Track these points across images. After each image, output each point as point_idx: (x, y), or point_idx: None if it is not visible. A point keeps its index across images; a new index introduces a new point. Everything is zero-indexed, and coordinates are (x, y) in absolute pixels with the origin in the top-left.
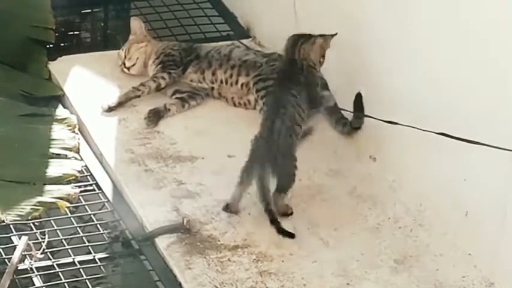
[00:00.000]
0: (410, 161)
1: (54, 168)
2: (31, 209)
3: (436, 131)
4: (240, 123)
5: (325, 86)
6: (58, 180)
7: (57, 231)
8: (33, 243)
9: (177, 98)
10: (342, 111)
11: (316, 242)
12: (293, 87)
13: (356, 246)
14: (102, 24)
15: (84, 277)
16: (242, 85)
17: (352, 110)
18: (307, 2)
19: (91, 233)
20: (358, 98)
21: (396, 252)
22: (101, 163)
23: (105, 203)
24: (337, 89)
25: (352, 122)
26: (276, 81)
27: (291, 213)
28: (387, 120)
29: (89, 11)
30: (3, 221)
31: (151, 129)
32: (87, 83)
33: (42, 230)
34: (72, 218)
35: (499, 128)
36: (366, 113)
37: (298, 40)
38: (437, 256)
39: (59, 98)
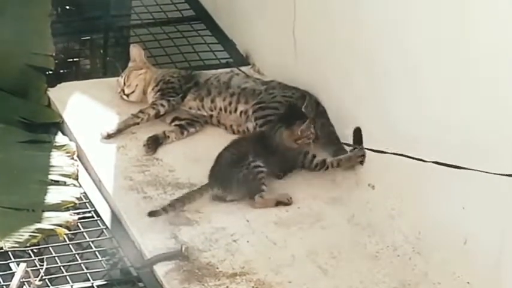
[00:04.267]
0: (409, 189)
1: (53, 195)
2: (30, 235)
3: (430, 160)
4: None
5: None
6: (57, 207)
7: (56, 258)
8: (31, 270)
9: (176, 125)
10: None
11: (315, 270)
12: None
13: (355, 274)
14: (102, 51)
15: None
16: (241, 113)
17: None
18: (307, 29)
19: (89, 260)
20: (358, 132)
21: (395, 281)
22: (100, 190)
23: (104, 230)
24: (336, 121)
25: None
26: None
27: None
28: (385, 151)
29: (89, 37)
30: (2, 248)
31: (150, 156)
32: (86, 110)
33: (41, 257)
34: (70, 245)
35: (495, 155)
36: (366, 145)
37: (276, 125)
38: (436, 284)
39: (58, 125)
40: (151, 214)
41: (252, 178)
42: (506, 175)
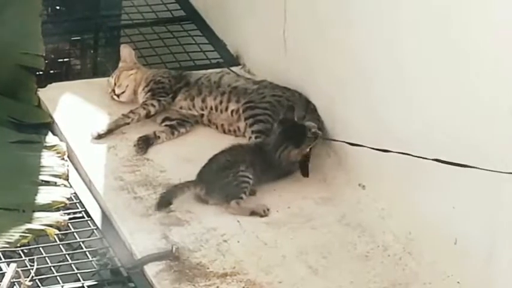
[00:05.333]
0: (399, 189)
1: (43, 196)
2: (20, 236)
3: (428, 158)
4: None
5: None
6: (47, 208)
7: (46, 258)
8: (22, 270)
9: (166, 125)
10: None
11: (306, 270)
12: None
13: (345, 274)
14: (92, 51)
15: None
16: (232, 112)
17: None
18: (297, 30)
19: (80, 261)
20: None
21: (385, 281)
22: (90, 190)
23: (94, 231)
24: (326, 119)
25: None
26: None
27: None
28: (378, 148)
29: (79, 38)
30: None
31: (140, 156)
32: (76, 110)
33: (31, 257)
34: (61, 245)
35: (487, 152)
36: (358, 142)
37: (282, 144)
38: (427, 284)
39: (49, 125)
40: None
41: (235, 184)
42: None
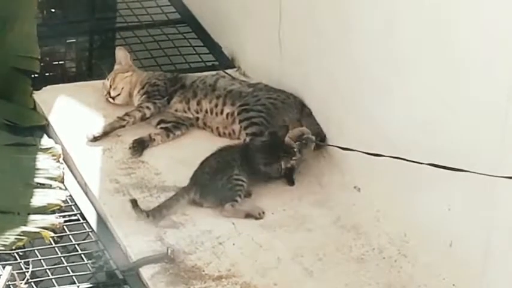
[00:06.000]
0: (394, 192)
1: (39, 198)
2: (15, 238)
3: (423, 162)
4: None
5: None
6: (42, 210)
7: (42, 261)
8: (17, 273)
9: (161, 128)
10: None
11: (301, 272)
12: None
13: (340, 276)
14: (87, 54)
15: None
16: (227, 115)
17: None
18: (292, 32)
19: (75, 263)
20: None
21: (380, 283)
22: (86, 193)
23: (90, 233)
24: (321, 122)
25: None
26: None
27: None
28: (371, 152)
29: (74, 40)
30: None
31: (135, 159)
32: (72, 113)
33: (26, 260)
34: (56, 248)
35: (482, 156)
36: (353, 146)
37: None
38: (422, 287)
39: (44, 128)
40: (135, 204)
41: (229, 187)
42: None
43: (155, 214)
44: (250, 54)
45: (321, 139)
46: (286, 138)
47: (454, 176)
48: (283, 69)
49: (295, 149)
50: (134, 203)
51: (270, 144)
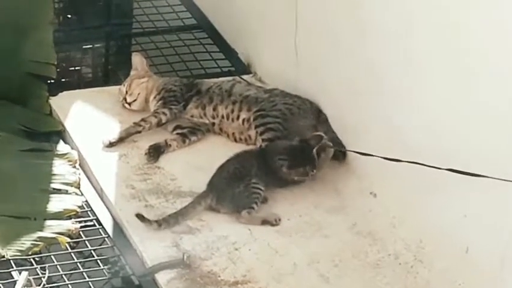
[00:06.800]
0: (410, 197)
1: (55, 204)
2: (31, 244)
3: (441, 167)
4: None
5: None
6: (58, 216)
7: (58, 266)
8: (33, 278)
9: (177, 133)
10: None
11: (317, 278)
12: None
13: (356, 282)
14: (104, 59)
15: None
16: (243, 120)
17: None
18: (308, 38)
19: (91, 269)
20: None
21: None
22: (102, 198)
23: (106, 239)
24: (337, 128)
25: None
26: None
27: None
28: (389, 157)
29: (90, 46)
30: (4, 256)
31: (151, 164)
32: (88, 119)
33: (43, 265)
34: (72, 254)
35: (499, 161)
36: (369, 151)
37: (281, 155)
38: None
39: (60, 133)
40: (141, 218)
41: (246, 195)
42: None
43: (170, 221)
44: (266, 60)
45: (339, 150)
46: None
47: (471, 181)
48: (299, 75)
49: (316, 161)
50: (141, 217)
51: (300, 149)
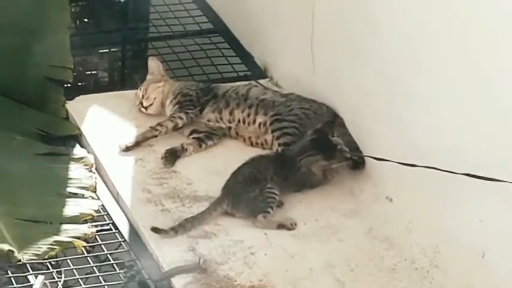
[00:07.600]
0: (426, 202)
1: (71, 208)
2: (48, 248)
3: (458, 172)
4: None
5: None
6: (75, 220)
7: (74, 270)
8: (49, 282)
9: (194, 137)
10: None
11: (333, 283)
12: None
13: (372, 287)
14: (120, 63)
15: None
16: (260, 124)
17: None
18: (324, 43)
19: (107, 273)
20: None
21: None
22: (118, 203)
23: (122, 243)
24: (353, 133)
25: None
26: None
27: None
28: (405, 162)
29: (107, 50)
30: (20, 260)
31: (168, 169)
32: (104, 123)
33: (59, 269)
34: (88, 258)
35: None
36: (385, 156)
37: (309, 151)
38: None
39: (76, 137)
40: (156, 230)
41: (261, 199)
42: None
43: (186, 225)
44: (283, 64)
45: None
46: (334, 138)
47: (487, 186)
48: (315, 80)
49: (339, 147)
50: (156, 230)
51: (321, 140)
